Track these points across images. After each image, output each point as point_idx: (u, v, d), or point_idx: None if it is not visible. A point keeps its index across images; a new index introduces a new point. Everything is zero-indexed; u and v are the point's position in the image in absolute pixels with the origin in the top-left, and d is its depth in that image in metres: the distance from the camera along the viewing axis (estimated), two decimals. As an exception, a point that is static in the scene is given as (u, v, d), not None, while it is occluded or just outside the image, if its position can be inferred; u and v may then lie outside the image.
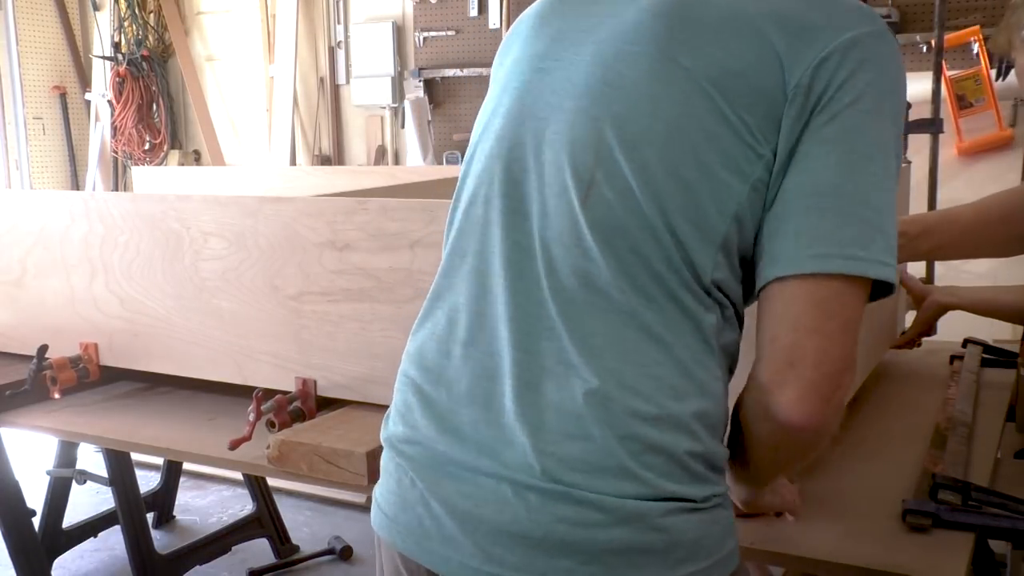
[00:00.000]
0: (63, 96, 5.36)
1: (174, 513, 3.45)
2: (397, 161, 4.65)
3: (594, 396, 0.90)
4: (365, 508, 3.52)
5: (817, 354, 0.89)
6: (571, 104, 0.98)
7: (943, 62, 3.13)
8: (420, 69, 4.41)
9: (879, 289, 0.92)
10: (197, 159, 5.26)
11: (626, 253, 0.92)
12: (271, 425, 1.73)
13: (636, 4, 1.00)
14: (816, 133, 0.91)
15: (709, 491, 0.93)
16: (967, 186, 3.36)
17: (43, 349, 2.02)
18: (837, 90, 0.90)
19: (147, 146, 5.24)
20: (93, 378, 2.08)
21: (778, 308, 0.91)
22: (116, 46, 5.26)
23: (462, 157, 4.54)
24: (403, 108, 4.48)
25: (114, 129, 5.25)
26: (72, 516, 2.89)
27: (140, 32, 5.18)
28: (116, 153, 5.30)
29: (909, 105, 3.01)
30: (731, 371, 1.01)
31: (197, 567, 2.87)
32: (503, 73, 1.09)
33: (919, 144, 3.21)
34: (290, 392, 1.80)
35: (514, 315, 0.96)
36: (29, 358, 2.04)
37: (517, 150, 1.01)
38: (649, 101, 0.94)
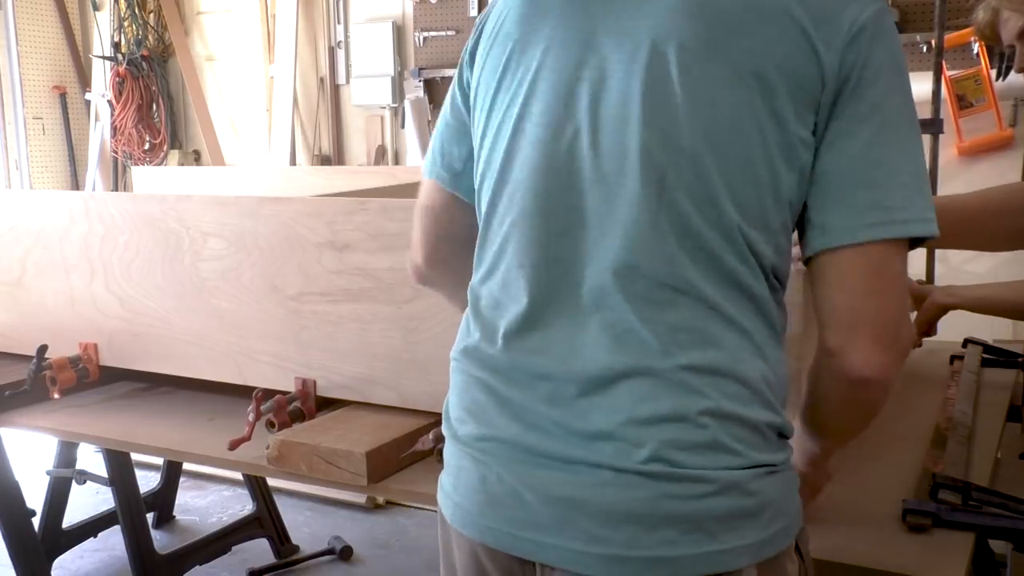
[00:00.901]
0: (63, 96, 5.36)
1: (174, 513, 3.45)
2: (397, 161, 4.65)
3: (686, 383, 0.96)
4: (365, 508, 3.52)
5: (875, 313, 0.98)
6: (623, 113, 0.99)
7: (943, 62, 3.13)
8: (420, 69, 4.41)
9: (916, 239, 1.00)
10: (197, 159, 5.25)
11: (701, 252, 0.97)
12: (271, 425, 1.73)
13: (665, 3, 1.00)
14: (849, 111, 0.97)
15: (784, 455, 1.02)
16: (967, 186, 3.33)
17: (43, 349, 2.03)
18: (862, 69, 0.97)
19: (147, 146, 5.24)
20: (93, 378, 2.08)
21: (832, 277, 0.99)
22: (116, 46, 5.25)
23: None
24: (403, 108, 4.48)
25: (114, 129, 5.24)
26: (72, 516, 2.89)
27: (140, 32, 5.17)
28: (116, 153, 5.30)
29: (909, 105, 3.00)
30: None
31: (197, 567, 2.87)
32: (532, 71, 1.05)
33: (919, 144, 3.21)
34: (290, 392, 1.80)
35: (591, 319, 1.00)
36: (29, 358, 2.04)
37: (570, 163, 1.02)
38: (699, 105, 0.97)
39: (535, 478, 0.99)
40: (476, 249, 1.12)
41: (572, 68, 1.03)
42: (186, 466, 3.44)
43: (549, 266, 1.03)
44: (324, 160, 4.80)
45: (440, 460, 1.55)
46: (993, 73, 3.32)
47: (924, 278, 3.09)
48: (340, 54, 4.73)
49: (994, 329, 2.38)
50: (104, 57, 5.29)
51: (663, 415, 0.95)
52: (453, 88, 1.20)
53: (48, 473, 2.78)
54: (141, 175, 3.10)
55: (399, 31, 4.53)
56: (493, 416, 1.04)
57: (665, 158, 0.97)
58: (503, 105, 1.08)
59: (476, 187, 1.13)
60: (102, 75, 5.31)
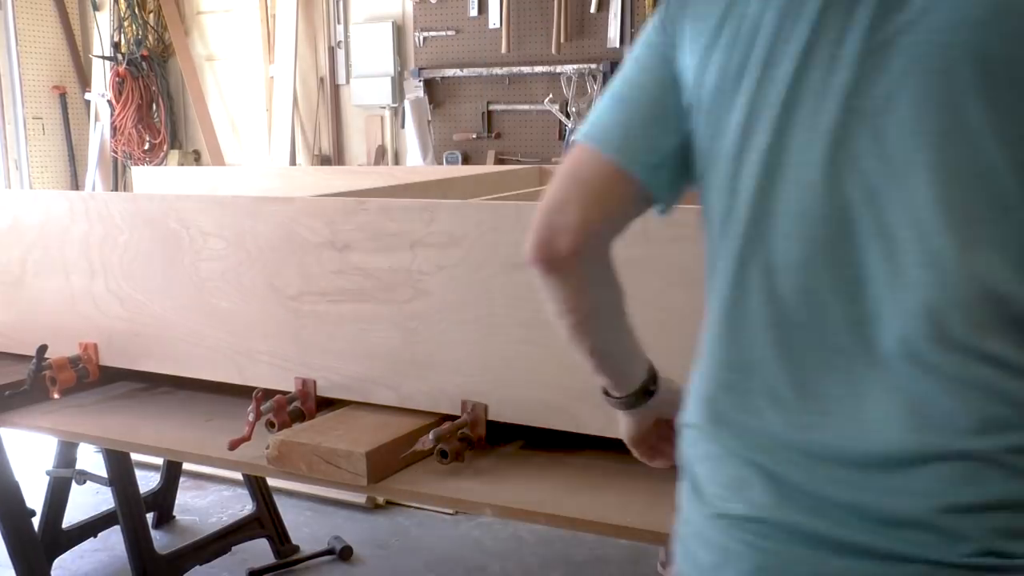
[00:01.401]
0: (63, 96, 5.36)
1: (174, 513, 3.45)
2: (397, 161, 4.65)
3: (1012, 465, 0.85)
4: (365, 508, 3.52)
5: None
6: (915, 157, 0.86)
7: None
8: (420, 69, 4.41)
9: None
10: (197, 159, 5.26)
11: (1006, 312, 0.86)
12: (271, 425, 1.73)
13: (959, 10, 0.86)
14: None
15: None
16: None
17: (43, 349, 2.03)
18: None
19: (147, 146, 5.24)
20: (92, 378, 2.08)
21: None
22: (116, 46, 5.25)
23: (462, 157, 4.53)
24: (403, 108, 4.48)
25: (114, 129, 5.24)
26: (72, 516, 2.89)
27: (140, 32, 5.17)
28: (116, 153, 5.30)
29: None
30: None
31: (197, 567, 2.87)
32: (786, 85, 0.91)
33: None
34: (290, 392, 1.80)
35: (878, 388, 0.89)
36: (29, 358, 2.04)
37: (843, 212, 0.89)
38: (976, 150, 0.85)
39: (832, 567, 0.88)
40: (707, 290, 1.00)
41: (841, 94, 0.88)
42: (186, 466, 3.43)
43: (819, 327, 0.91)
44: (324, 160, 4.80)
45: (440, 460, 1.55)
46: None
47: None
48: (340, 54, 4.73)
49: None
50: (104, 57, 5.29)
51: (990, 502, 0.84)
52: (654, 64, 1.02)
53: (48, 473, 2.78)
54: (141, 175, 3.11)
55: (399, 31, 4.54)
56: (762, 496, 0.92)
57: (972, 208, 0.85)
58: (742, 121, 0.94)
59: (704, 201, 1.00)
60: (102, 75, 5.32)
